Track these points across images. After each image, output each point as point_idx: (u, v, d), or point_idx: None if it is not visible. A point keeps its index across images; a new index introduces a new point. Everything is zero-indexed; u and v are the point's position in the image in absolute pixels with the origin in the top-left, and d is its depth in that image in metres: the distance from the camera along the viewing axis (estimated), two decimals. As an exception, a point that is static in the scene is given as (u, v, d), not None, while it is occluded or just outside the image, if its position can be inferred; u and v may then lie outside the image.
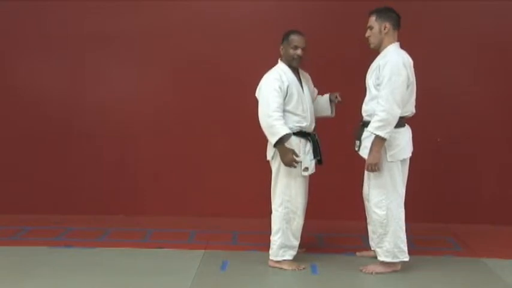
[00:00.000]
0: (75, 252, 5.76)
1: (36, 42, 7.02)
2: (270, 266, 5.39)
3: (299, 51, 5.33)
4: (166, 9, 6.95)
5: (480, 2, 6.84)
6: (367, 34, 5.23)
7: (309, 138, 5.37)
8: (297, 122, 5.30)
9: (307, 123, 5.36)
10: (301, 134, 5.32)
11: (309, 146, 5.35)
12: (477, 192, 6.88)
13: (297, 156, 5.19)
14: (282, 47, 5.42)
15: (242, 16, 6.96)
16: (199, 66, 6.94)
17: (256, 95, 5.39)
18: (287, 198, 5.30)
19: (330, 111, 5.66)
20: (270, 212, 5.42)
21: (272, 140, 5.17)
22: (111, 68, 7.07)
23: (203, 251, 5.81)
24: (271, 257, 5.39)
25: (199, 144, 6.96)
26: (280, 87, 5.23)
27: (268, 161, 5.43)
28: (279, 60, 5.45)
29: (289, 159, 5.16)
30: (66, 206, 7.03)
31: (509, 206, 6.85)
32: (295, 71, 5.43)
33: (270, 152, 5.35)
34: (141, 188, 7.07)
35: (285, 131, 5.14)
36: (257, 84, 5.44)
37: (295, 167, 5.20)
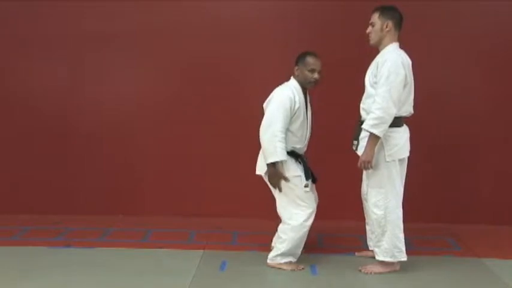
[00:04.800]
0: (75, 252, 5.77)
1: (35, 42, 7.02)
2: (269, 266, 5.39)
3: (316, 75, 5.31)
4: (166, 9, 6.95)
5: (480, 2, 6.84)
6: (368, 30, 5.23)
7: (299, 160, 5.39)
8: (293, 143, 5.33)
9: (301, 145, 5.40)
10: (293, 154, 5.33)
11: (300, 167, 5.36)
12: (477, 192, 6.88)
13: (286, 180, 5.23)
14: (297, 68, 5.37)
15: (242, 16, 6.94)
16: (199, 66, 6.94)
17: (264, 106, 5.36)
18: (295, 211, 5.29)
19: None
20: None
21: (269, 159, 5.18)
22: (111, 68, 7.07)
23: (202, 251, 5.82)
24: (269, 261, 5.40)
25: (199, 144, 6.97)
26: (290, 108, 5.22)
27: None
28: (292, 78, 5.41)
29: (277, 182, 5.24)
30: (66, 206, 7.04)
31: (508, 206, 6.85)
32: (305, 91, 5.42)
33: (264, 167, 5.34)
34: (140, 188, 7.08)
35: (284, 156, 5.17)
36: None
37: (280, 190, 5.25)
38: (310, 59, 5.32)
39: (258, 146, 5.39)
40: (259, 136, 5.30)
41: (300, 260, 5.44)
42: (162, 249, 5.87)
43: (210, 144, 6.94)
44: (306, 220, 5.28)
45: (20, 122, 7.09)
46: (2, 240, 6.13)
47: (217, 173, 6.97)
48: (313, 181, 5.49)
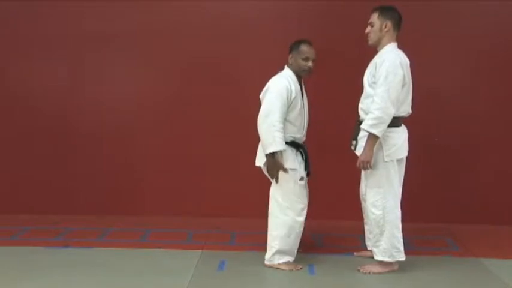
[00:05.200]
0: (74, 252, 5.77)
1: (35, 42, 7.03)
2: (266, 266, 5.38)
3: (310, 63, 5.30)
4: (166, 9, 6.95)
5: (480, 2, 6.83)
6: (366, 30, 5.23)
7: (300, 149, 5.38)
8: (293, 133, 5.30)
9: (301, 135, 5.39)
10: (293, 144, 5.32)
11: (300, 157, 5.36)
12: (476, 192, 6.86)
13: (284, 170, 5.22)
14: (291, 56, 5.36)
15: (242, 16, 6.95)
16: (199, 66, 6.95)
17: (261, 97, 5.34)
18: (287, 205, 5.29)
19: None
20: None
21: (267, 149, 5.16)
22: (111, 68, 7.08)
23: (201, 251, 5.82)
24: (266, 262, 5.39)
25: (198, 144, 6.97)
26: (287, 97, 5.20)
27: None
28: (286, 67, 5.41)
29: (275, 172, 5.22)
30: (65, 206, 7.04)
31: (507, 206, 6.85)
32: (300, 80, 5.41)
33: (263, 158, 5.32)
34: (139, 188, 7.08)
35: (282, 146, 5.15)
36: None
37: (277, 181, 5.24)
38: (304, 47, 5.32)
39: (257, 146, 5.40)
40: (258, 136, 5.30)
41: (298, 260, 5.44)
42: (161, 249, 5.87)
43: (210, 144, 6.95)
44: (297, 215, 5.30)
45: (20, 122, 7.09)
46: (1, 240, 6.14)
47: (216, 173, 6.97)
48: (307, 174, 5.47)
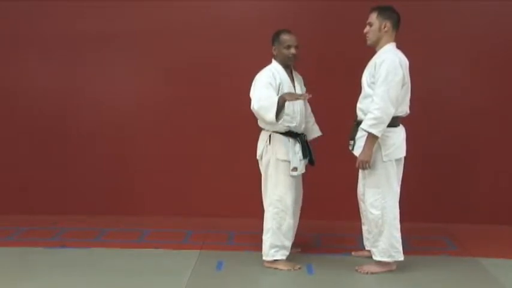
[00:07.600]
0: (71, 253, 5.78)
1: (35, 42, 7.04)
2: (265, 266, 5.38)
3: (293, 50, 5.32)
4: (167, 9, 6.95)
5: (480, 2, 6.81)
6: (365, 30, 5.22)
7: (298, 138, 5.36)
8: (286, 122, 5.26)
9: (296, 123, 5.34)
10: (289, 133, 5.30)
11: (298, 147, 5.33)
12: (474, 192, 6.86)
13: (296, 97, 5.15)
14: (274, 48, 5.40)
15: (242, 16, 6.95)
16: (199, 66, 6.94)
17: (250, 94, 5.35)
18: (276, 197, 5.29)
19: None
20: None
21: (271, 115, 5.01)
22: (110, 68, 7.08)
23: (199, 251, 5.82)
24: (263, 257, 5.38)
25: (196, 144, 6.97)
26: (271, 84, 5.21)
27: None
28: (273, 60, 5.43)
29: (293, 97, 5.11)
30: (62, 206, 7.03)
31: (505, 205, 6.83)
32: (289, 70, 5.41)
33: (259, 150, 5.37)
34: (137, 188, 7.08)
35: (275, 96, 5.07)
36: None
37: (297, 98, 5.13)
38: (284, 36, 5.35)
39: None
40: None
41: (296, 260, 5.45)
42: (159, 249, 5.87)
43: (207, 144, 6.95)
44: (287, 208, 5.30)
45: (19, 122, 7.10)
46: (-1, 240, 6.18)
47: (213, 173, 6.97)
48: (312, 163, 5.48)
